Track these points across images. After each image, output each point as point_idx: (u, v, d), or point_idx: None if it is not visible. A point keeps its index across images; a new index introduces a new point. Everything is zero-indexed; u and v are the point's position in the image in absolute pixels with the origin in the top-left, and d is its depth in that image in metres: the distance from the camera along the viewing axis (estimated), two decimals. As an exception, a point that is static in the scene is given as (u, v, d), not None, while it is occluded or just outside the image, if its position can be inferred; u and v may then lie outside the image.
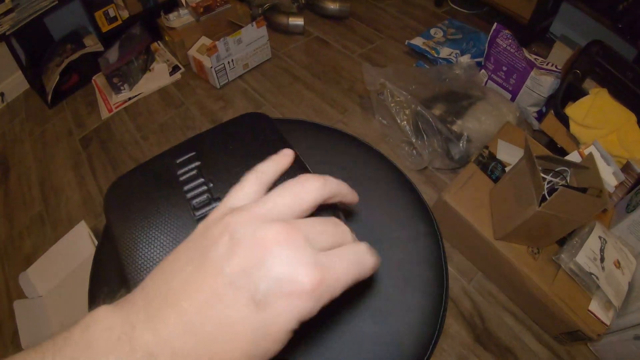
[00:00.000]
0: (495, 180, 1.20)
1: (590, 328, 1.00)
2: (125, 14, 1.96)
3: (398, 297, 0.48)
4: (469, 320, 1.17)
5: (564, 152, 1.33)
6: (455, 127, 1.37)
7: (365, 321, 0.46)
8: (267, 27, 1.83)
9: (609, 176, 1.19)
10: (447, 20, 1.98)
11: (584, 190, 0.97)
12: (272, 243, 0.23)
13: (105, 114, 1.84)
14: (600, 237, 1.10)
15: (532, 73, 1.50)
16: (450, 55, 1.76)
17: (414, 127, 1.37)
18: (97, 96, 1.92)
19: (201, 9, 1.88)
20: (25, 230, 1.53)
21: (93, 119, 1.85)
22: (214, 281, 0.23)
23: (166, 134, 1.71)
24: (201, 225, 0.27)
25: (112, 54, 1.80)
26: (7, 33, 1.67)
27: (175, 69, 1.96)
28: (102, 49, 1.92)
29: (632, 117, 1.28)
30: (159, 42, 2.09)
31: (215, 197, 0.39)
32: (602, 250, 1.08)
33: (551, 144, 1.43)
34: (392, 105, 1.40)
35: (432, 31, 1.89)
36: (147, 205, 0.40)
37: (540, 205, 0.93)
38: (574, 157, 1.21)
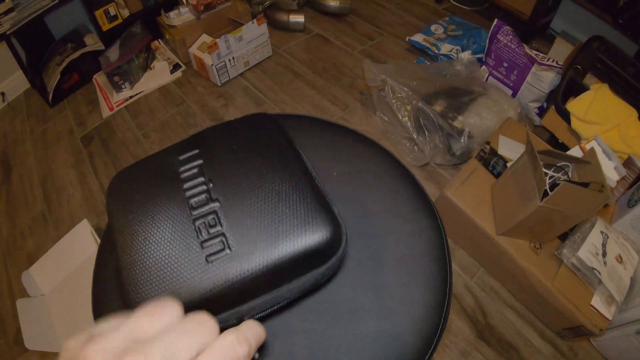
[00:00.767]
0: (497, 175, 1.20)
1: (593, 323, 1.00)
2: (125, 13, 1.96)
3: (402, 292, 0.48)
4: (472, 316, 1.18)
5: (565, 148, 1.33)
6: (456, 123, 1.37)
7: (369, 316, 0.46)
8: (267, 24, 1.83)
9: (611, 171, 1.19)
10: (448, 16, 1.98)
11: (585, 185, 0.97)
12: None
13: (106, 112, 1.84)
14: (602, 232, 1.10)
15: (532, 69, 1.50)
16: (450, 51, 1.75)
17: (415, 123, 1.37)
18: (98, 95, 1.92)
19: (201, 7, 1.88)
20: (27, 229, 1.53)
21: (94, 117, 1.85)
22: None
23: (167, 132, 1.71)
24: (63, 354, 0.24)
25: (113, 53, 1.80)
26: (8, 32, 1.67)
27: (176, 67, 1.96)
28: (102, 47, 1.91)
29: (634, 113, 1.28)
30: (159, 40, 2.08)
31: (214, 197, 0.39)
32: (604, 245, 1.08)
33: (552, 140, 1.43)
34: (393, 101, 1.40)
35: (433, 27, 1.89)
36: (148, 200, 0.39)
37: (542, 200, 0.93)
38: (575, 152, 1.21)
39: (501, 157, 1.24)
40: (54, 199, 1.59)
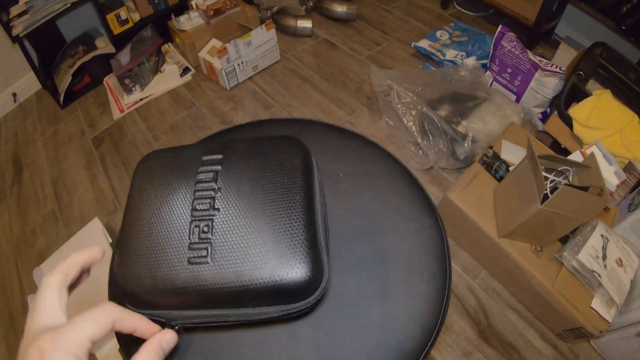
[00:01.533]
0: (499, 179, 1.22)
1: (593, 325, 1.01)
2: (136, 17, 2.00)
3: (404, 286, 0.51)
4: (474, 316, 1.20)
5: (568, 153, 1.35)
6: (460, 128, 1.39)
7: (372, 308, 0.49)
8: (275, 29, 1.86)
9: (611, 175, 1.21)
10: (453, 22, 2.00)
11: (585, 189, 0.98)
12: None
13: (117, 114, 1.88)
14: (602, 236, 1.11)
15: (536, 74, 1.52)
16: (456, 57, 1.78)
17: (420, 127, 1.39)
18: (109, 97, 1.96)
19: (211, 12, 1.92)
20: (38, 228, 1.56)
21: (105, 119, 1.89)
22: None
23: (177, 134, 1.74)
24: (22, 347, 0.31)
25: (124, 56, 1.84)
26: (21, 35, 1.71)
27: (185, 70, 2.00)
28: (113, 50, 1.96)
29: (635, 118, 1.29)
30: (169, 44, 2.12)
31: (216, 206, 0.40)
32: (604, 249, 1.09)
33: (555, 145, 1.44)
34: (398, 106, 1.43)
35: (438, 33, 1.91)
36: (163, 186, 0.43)
37: (542, 203, 0.95)
38: (576, 156, 1.23)
39: (504, 162, 1.25)
40: (65, 199, 1.63)
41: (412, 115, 1.41)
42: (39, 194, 1.67)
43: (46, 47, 2.00)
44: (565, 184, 0.99)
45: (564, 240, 1.13)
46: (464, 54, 1.78)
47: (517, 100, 1.62)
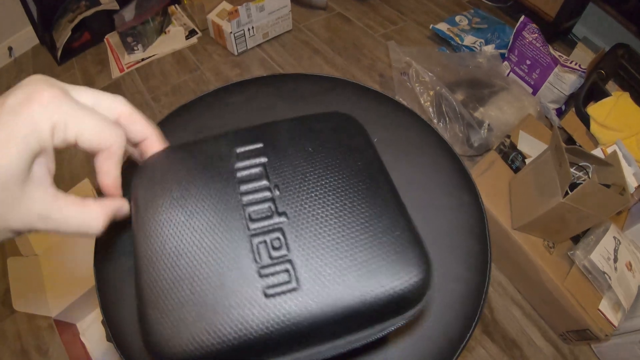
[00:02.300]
0: (515, 170, 1.19)
1: (599, 327, 0.99)
2: (144, -27, 1.92)
3: (442, 269, 0.45)
4: (478, 310, 1.16)
5: (583, 151, 1.33)
6: (477, 114, 1.35)
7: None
8: (290, -2, 1.80)
9: (630, 177, 1.17)
10: (473, 9, 1.95)
11: (606, 187, 0.95)
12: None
13: (116, 73, 1.80)
14: (614, 238, 1.09)
15: (555, 69, 1.48)
16: (474, 43, 1.73)
17: (437, 109, 1.35)
18: (109, 55, 1.88)
19: (224, -27, 1.84)
20: (25, 186, 1.49)
21: (103, 77, 1.81)
22: None
23: (178, 97, 1.68)
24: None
25: (129, 12, 1.76)
26: (21, -16, 1.63)
27: (191, 33, 1.92)
28: (117, 7, 1.87)
29: (652, 123, 1.27)
30: (176, 5, 2.04)
31: (280, 210, 0.30)
32: (616, 251, 1.07)
33: (570, 142, 1.41)
34: (416, 85, 1.38)
35: (458, 18, 1.86)
36: (190, 202, 0.31)
37: (564, 197, 0.92)
38: (596, 154, 1.20)
39: (520, 152, 1.22)
40: (54, 157, 1.55)
41: (430, 95, 1.36)
42: (29, 151, 1.59)
43: (46, 0, 1.91)
44: (588, 180, 0.96)
45: (576, 239, 1.11)
46: (482, 41, 1.73)
47: (534, 93, 1.58)
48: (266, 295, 0.27)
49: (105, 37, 1.94)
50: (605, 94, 1.36)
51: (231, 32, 1.71)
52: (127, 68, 1.81)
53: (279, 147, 0.34)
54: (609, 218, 1.10)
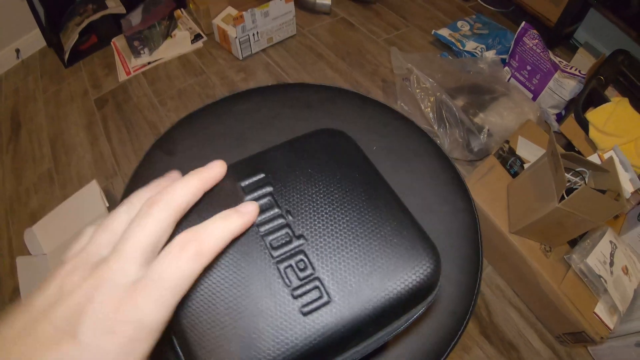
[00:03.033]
0: (514, 175, 1.21)
1: (595, 330, 1.01)
2: (150, -22, 1.94)
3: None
4: (477, 312, 1.18)
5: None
6: (477, 120, 1.37)
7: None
8: (294, 3, 1.82)
9: (626, 182, 1.19)
10: (475, 15, 1.97)
11: (602, 192, 0.97)
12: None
13: (122, 76, 1.83)
14: (611, 242, 1.11)
15: (555, 75, 1.49)
16: (475, 49, 1.75)
17: (437, 115, 1.37)
18: (116, 58, 1.91)
19: (229, -21, 1.87)
20: (32, 187, 1.52)
21: (110, 80, 1.83)
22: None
23: (184, 101, 1.70)
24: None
25: (135, 17, 1.79)
26: (29, -11, 1.66)
27: (197, 37, 1.94)
28: (124, 11, 1.90)
29: (651, 129, 1.28)
30: (182, 9, 2.06)
31: (297, 234, 0.32)
32: (612, 255, 1.09)
33: (569, 147, 1.43)
34: (417, 91, 1.40)
35: (459, 24, 1.88)
36: None
37: (560, 202, 0.93)
38: (593, 160, 1.21)
39: (519, 157, 1.24)
40: (62, 159, 1.58)
41: (431, 101, 1.38)
42: (36, 153, 1.62)
43: (54, 3, 1.93)
44: (583, 185, 0.98)
45: (573, 243, 1.12)
46: (483, 46, 1.75)
47: (534, 99, 1.59)
48: (303, 314, 0.29)
49: (112, 40, 1.96)
50: (604, 100, 1.37)
51: (236, 37, 1.73)
52: (134, 71, 1.84)
53: (280, 174, 0.35)
54: (606, 223, 1.12)
